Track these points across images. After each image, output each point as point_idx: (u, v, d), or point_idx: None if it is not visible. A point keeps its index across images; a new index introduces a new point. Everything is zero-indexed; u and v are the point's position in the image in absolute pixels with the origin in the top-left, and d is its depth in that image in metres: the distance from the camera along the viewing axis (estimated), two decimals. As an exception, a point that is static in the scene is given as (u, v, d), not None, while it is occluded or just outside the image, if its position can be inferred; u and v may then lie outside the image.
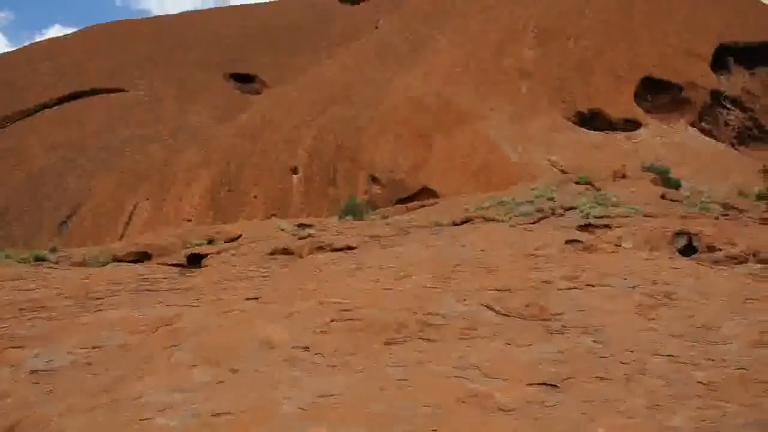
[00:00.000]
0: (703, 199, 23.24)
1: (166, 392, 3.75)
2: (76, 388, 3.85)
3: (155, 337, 4.79)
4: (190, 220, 30.95)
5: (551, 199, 20.59)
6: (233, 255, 13.67)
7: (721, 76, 29.04)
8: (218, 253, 13.74)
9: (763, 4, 33.79)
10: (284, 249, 13.50)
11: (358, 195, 29.51)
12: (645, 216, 16.15)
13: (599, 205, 18.51)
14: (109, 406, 3.53)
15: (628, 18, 30.77)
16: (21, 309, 6.65)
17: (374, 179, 30.76)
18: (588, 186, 22.61)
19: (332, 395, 3.81)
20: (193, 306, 5.67)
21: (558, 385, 4.36)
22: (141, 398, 3.68)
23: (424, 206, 25.28)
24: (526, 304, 6.81)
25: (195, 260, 13.71)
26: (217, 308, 5.55)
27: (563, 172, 28.26)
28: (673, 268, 8.99)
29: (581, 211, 17.45)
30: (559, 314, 6.59)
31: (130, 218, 29.70)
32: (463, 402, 3.82)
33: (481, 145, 29.74)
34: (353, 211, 21.29)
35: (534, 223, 16.98)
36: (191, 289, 7.22)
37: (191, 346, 4.50)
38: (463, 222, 18.44)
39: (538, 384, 4.30)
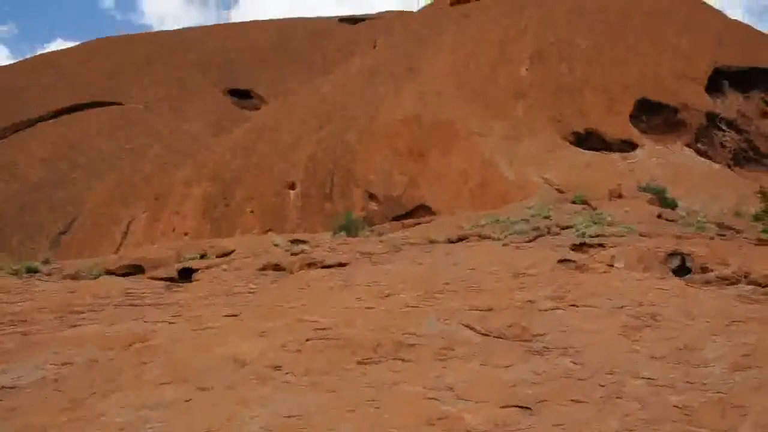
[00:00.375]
0: (699, 218, 23.17)
1: (131, 410, 3.70)
2: (39, 407, 3.80)
3: (127, 354, 4.74)
4: (186, 234, 30.92)
5: (547, 217, 20.55)
6: (224, 270, 13.60)
7: (717, 99, 29.11)
8: (209, 267, 13.67)
9: (757, 30, 33.97)
10: (276, 265, 13.44)
11: (354, 211, 29.46)
12: (640, 235, 16.09)
13: (595, 224, 18.46)
14: (68, 426, 3.48)
15: (622, 41, 30.95)
16: (0, 323, 6.60)
17: (371, 195, 30.69)
18: (584, 205, 22.57)
19: (300, 415, 3.76)
20: (170, 322, 5.63)
21: (531, 407, 4.31)
22: (103, 417, 3.63)
23: (419, 223, 25.19)
24: (508, 324, 6.75)
25: (186, 274, 13.65)
26: (194, 325, 5.51)
27: (559, 191, 28.19)
28: (661, 288, 8.94)
29: (577, 230, 17.41)
30: (541, 335, 6.53)
31: (126, 231, 29.67)
32: (432, 424, 3.77)
33: (476, 163, 29.74)
34: (348, 228, 21.26)
35: (529, 241, 16.92)
36: (174, 305, 7.17)
37: (161, 363, 4.45)
38: (459, 239, 18.37)
39: (511, 406, 4.25)
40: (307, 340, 5.11)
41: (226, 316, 5.88)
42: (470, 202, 29.29)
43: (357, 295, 7.18)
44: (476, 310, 6.93)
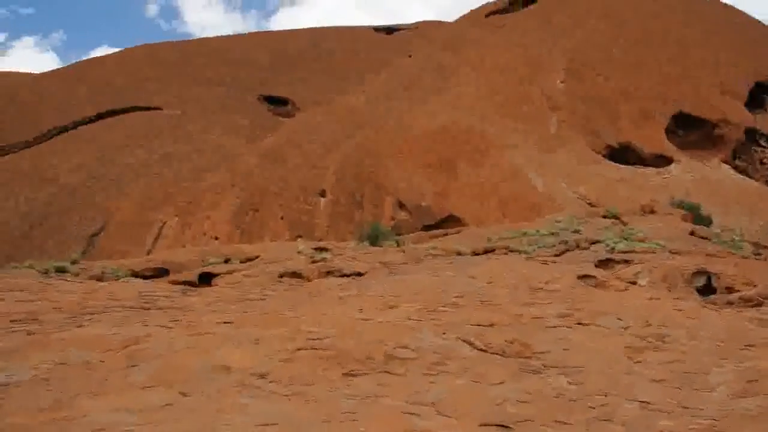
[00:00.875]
0: (734, 237, 22.63)
1: (112, 412, 3.79)
2: (25, 405, 3.92)
3: (119, 357, 4.86)
4: (217, 238, 31.44)
5: (577, 231, 20.31)
6: (245, 275, 13.80)
7: (757, 114, 28.41)
8: (230, 273, 13.90)
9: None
10: (294, 272, 13.61)
11: (384, 220, 29.58)
12: (670, 252, 15.77)
13: (625, 239, 18.16)
14: (49, 424, 3.59)
15: (661, 54, 30.45)
16: (12, 321, 6.81)
17: (401, 205, 30.80)
18: (615, 220, 22.24)
19: (274, 424, 3.79)
20: (168, 327, 5.74)
21: (512, 426, 4.26)
22: (86, 417, 3.73)
23: (447, 234, 25.20)
24: (510, 340, 6.69)
25: (206, 279, 13.91)
26: (190, 330, 5.61)
27: (590, 205, 27.85)
28: (676, 309, 8.75)
29: (606, 245, 17.17)
30: (542, 352, 6.45)
31: (158, 235, 30.29)
32: (404, 439, 3.76)
33: (507, 175, 29.59)
34: (374, 237, 21.34)
35: (557, 255, 16.74)
36: (181, 309, 7.31)
37: (150, 368, 4.54)
38: (486, 252, 18.30)
39: (491, 425, 4.21)
40: (298, 349, 5.16)
41: (224, 322, 5.97)
42: (500, 213, 29.15)
43: (361, 306, 7.20)
44: (479, 325, 6.88)
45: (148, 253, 29.23)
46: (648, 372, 6.10)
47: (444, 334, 6.32)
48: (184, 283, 12.86)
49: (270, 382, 4.50)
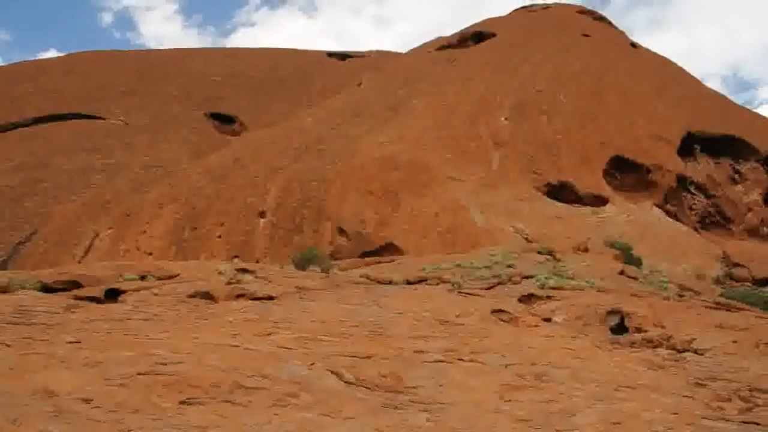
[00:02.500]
0: (661, 278, 23.18)
1: None
2: None
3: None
4: (151, 254, 30.62)
5: (510, 266, 20.47)
6: (154, 294, 13.34)
7: (688, 163, 29.46)
8: (138, 290, 13.40)
9: (730, 101, 34.66)
10: (206, 293, 13.24)
11: (323, 245, 29.34)
12: (598, 291, 15.99)
13: (556, 276, 18.38)
14: None
15: (601, 102, 31.40)
16: None
17: (341, 231, 30.61)
18: (549, 256, 22.55)
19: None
20: (5, 345, 5.41)
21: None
22: None
23: (381, 262, 25.13)
24: (384, 373, 6.54)
25: (114, 295, 13.40)
26: (27, 350, 5.30)
27: (528, 240, 28.25)
28: (568, 348, 8.77)
29: (537, 281, 17.32)
30: (414, 387, 6.32)
31: (90, 246, 29.35)
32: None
33: (448, 207, 29.79)
34: (305, 261, 21.12)
35: (488, 288, 16.80)
36: (49, 326, 6.95)
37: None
38: (419, 281, 18.25)
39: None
40: (139, 374, 4.90)
41: (72, 342, 5.67)
42: (439, 245, 29.23)
43: (240, 331, 6.97)
44: (355, 356, 6.71)
45: (79, 263, 28.27)
46: (515, 411, 6.02)
47: (313, 364, 6.13)
48: (89, 298, 12.30)
49: (93, 408, 4.23)
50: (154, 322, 7.69)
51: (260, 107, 35.26)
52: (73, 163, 31.98)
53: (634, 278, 20.02)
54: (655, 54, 40.37)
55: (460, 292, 15.52)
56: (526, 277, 18.27)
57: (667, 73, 36.50)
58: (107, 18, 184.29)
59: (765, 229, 29.27)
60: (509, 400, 6.31)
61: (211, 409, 4.58)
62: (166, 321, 7.97)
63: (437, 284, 17.70)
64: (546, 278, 17.88)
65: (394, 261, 24.61)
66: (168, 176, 31.67)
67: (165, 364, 5.16)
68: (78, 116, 33.32)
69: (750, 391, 6.79)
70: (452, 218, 29.63)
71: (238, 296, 12.79)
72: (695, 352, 10.17)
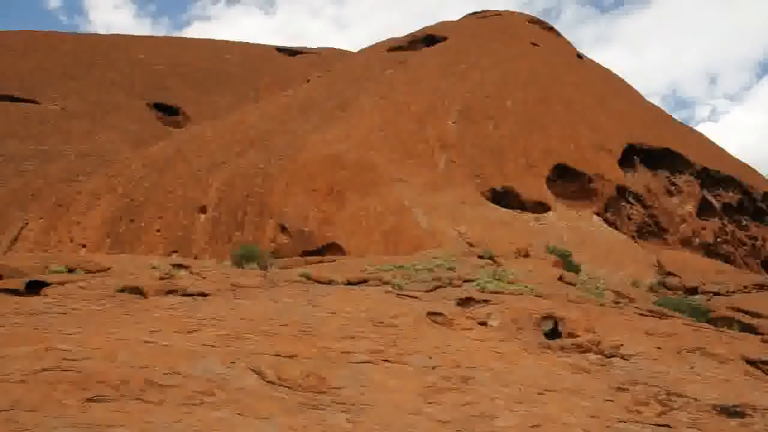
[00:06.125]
0: (598, 285, 23.76)
1: None
2: None
3: None
4: (84, 246, 29.57)
5: (451, 269, 20.61)
6: (80, 287, 12.85)
7: (628, 173, 30.31)
8: (63, 283, 12.87)
9: (670, 116, 35.98)
10: (135, 288, 12.83)
11: (264, 242, 28.91)
12: (536, 296, 16.23)
13: (496, 280, 18.60)
14: None
15: (547, 110, 32.00)
16: None
17: (283, 228, 30.23)
18: (490, 261, 22.81)
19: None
20: None
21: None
22: None
23: (322, 261, 24.95)
24: (306, 373, 6.43)
25: (36, 288, 12.83)
26: None
27: (470, 244, 28.50)
28: (496, 352, 8.82)
29: (477, 285, 17.48)
30: (337, 388, 6.22)
31: (18, 236, 28.12)
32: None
33: (393, 208, 29.80)
34: (244, 258, 20.81)
35: (428, 291, 16.84)
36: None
37: None
38: (360, 282, 18.17)
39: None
40: (43, 370, 4.64)
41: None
42: (382, 246, 29.21)
43: (160, 328, 6.73)
44: (278, 356, 6.57)
45: (5, 253, 27.02)
46: (437, 413, 5.98)
47: (233, 362, 5.94)
48: (7, 291, 11.76)
49: (-18, 405, 3.97)
50: (70, 316, 7.35)
51: (205, 99, 34.49)
52: (6, 149, 30.57)
53: (573, 284, 20.46)
54: (599, 66, 41.49)
55: (399, 294, 15.48)
56: (467, 281, 18.45)
57: (610, 85, 37.53)
58: (54, 1, 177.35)
59: (697, 240, 30.41)
60: (431, 402, 6.28)
61: (118, 406, 4.37)
62: (84, 316, 7.63)
63: (378, 285, 17.68)
64: (486, 282, 18.10)
65: (335, 261, 24.50)
66: (106, 166, 30.64)
67: (71, 360, 4.90)
68: (9, 98, 31.80)
69: (668, 395, 6.95)
70: (396, 219, 29.66)
71: (169, 292, 12.43)
72: (622, 357, 10.40)
